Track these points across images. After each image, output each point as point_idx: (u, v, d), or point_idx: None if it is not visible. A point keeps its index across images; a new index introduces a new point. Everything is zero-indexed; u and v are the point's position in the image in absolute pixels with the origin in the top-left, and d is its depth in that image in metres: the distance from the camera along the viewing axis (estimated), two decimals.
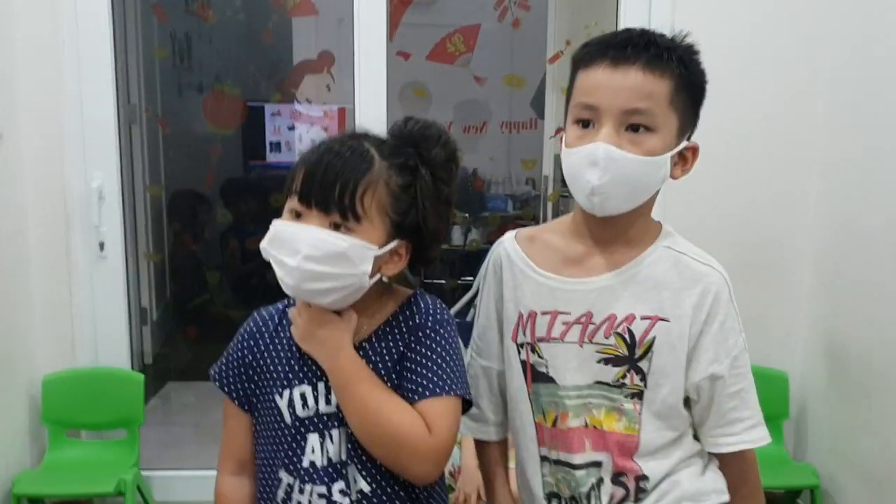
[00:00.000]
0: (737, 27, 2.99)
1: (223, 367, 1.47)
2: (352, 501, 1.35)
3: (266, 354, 1.43)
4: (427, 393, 1.32)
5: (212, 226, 5.35)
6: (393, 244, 1.33)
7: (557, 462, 1.43)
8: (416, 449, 1.30)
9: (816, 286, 3.01)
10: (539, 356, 1.42)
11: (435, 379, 1.33)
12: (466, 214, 5.37)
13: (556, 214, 4.44)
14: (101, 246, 3.19)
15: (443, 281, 5.25)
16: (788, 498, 3.11)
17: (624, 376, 1.36)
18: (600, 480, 1.39)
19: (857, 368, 2.76)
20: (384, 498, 1.36)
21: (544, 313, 1.41)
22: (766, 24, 3.00)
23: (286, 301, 1.47)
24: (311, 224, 1.28)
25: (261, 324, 1.47)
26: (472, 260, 5.17)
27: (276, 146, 5.50)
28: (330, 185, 1.27)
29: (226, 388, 1.46)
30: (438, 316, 1.39)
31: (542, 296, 1.42)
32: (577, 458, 1.40)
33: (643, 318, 1.35)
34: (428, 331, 1.37)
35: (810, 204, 3.04)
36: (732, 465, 1.45)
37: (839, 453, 2.89)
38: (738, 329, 1.39)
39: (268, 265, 1.32)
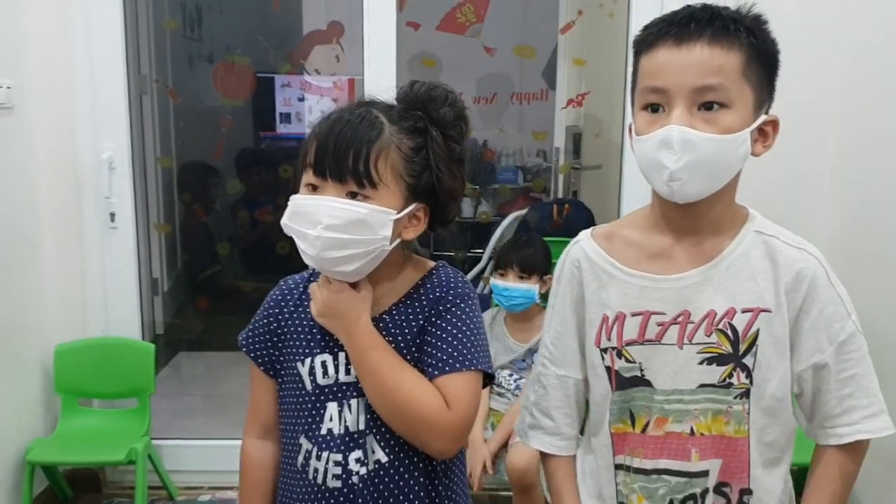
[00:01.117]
0: (746, 1, 2.95)
1: (250, 334, 1.49)
2: (368, 471, 1.36)
3: (290, 322, 1.45)
4: (447, 368, 1.32)
5: (223, 197, 5.36)
6: (411, 208, 1.34)
7: (639, 471, 1.35)
8: (433, 425, 1.31)
9: (830, 265, 3.00)
10: (628, 360, 1.33)
11: (455, 354, 1.33)
12: (477, 187, 5.36)
13: (566, 187, 4.43)
14: (112, 217, 3.20)
15: (452, 253, 5.25)
16: (799, 473, 3.11)
17: (730, 375, 1.29)
18: (705, 491, 1.32)
19: (870, 347, 2.75)
20: (401, 469, 1.37)
21: (634, 314, 1.33)
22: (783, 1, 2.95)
23: (312, 270, 1.48)
24: (328, 195, 1.29)
25: (286, 292, 1.49)
26: (483, 232, 5.16)
27: (287, 117, 5.48)
28: (342, 155, 1.28)
29: (252, 354, 1.48)
30: (460, 289, 1.39)
31: (631, 296, 1.34)
32: (677, 466, 1.32)
33: (744, 310, 1.28)
34: (449, 304, 1.37)
35: (824, 183, 3.00)
36: (841, 459, 1.35)
37: None
38: (845, 313, 1.32)
39: (278, 236, 1.33)
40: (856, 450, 1.34)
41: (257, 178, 5.20)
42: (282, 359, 1.45)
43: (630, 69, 1.35)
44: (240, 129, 5.20)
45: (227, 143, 4.83)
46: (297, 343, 1.43)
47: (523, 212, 4.23)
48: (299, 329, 1.43)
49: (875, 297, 2.72)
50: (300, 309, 1.45)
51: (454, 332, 1.35)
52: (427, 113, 1.35)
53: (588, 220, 3.87)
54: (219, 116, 4.43)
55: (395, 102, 1.39)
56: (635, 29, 1.34)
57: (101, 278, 3.23)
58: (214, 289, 5.07)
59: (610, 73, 3.85)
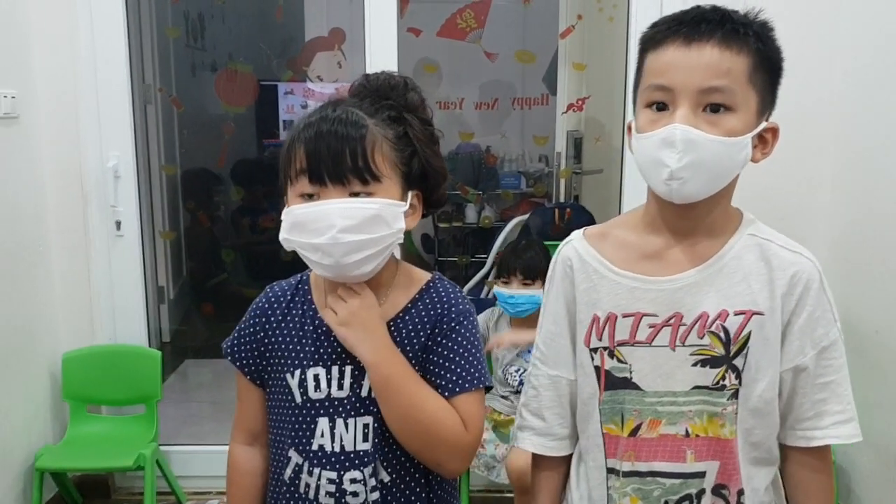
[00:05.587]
0: (753, 6, 2.96)
1: (235, 342, 1.46)
2: (369, 490, 1.35)
3: (278, 332, 1.42)
4: (458, 389, 1.32)
5: (227, 204, 5.38)
6: (410, 196, 1.34)
7: (631, 473, 1.33)
8: (454, 446, 1.31)
9: (832, 266, 3.00)
10: (620, 361, 1.32)
11: (465, 374, 1.33)
12: (480, 192, 5.37)
13: (568, 191, 4.44)
14: (118, 225, 3.23)
15: (455, 258, 5.27)
16: None
17: (723, 377, 1.28)
18: (701, 491, 1.31)
19: (871, 347, 2.75)
20: (402, 486, 1.37)
21: (626, 315, 1.32)
22: (782, 5, 2.96)
23: (299, 276, 1.45)
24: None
25: (273, 300, 1.45)
26: (486, 237, 5.18)
27: (290, 124, 5.51)
28: (339, 156, 1.25)
29: (238, 364, 1.45)
30: (461, 306, 1.38)
31: (622, 296, 1.32)
32: (672, 468, 1.31)
33: (737, 313, 1.27)
34: (453, 323, 1.36)
35: (826, 185, 3.01)
36: (810, 462, 1.35)
37: None
38: (832, 319, 1.32)
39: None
40: (822, 454, 1.35)
41: (260, 185, 5.22)
42: (269, 369, 1.42)
43: (631, 72, 1.34)
44: (243, 136, 5.23)
45: (231, 151, 4.85)
46: (286, 354, 1.40)
47: (525, 217, 4.25)
48: (288, 339, 1.40)
49: (876, 299, 2.74)
50: (288, 318, 1.42)
51: (461, 351, 1.34)
52: (396, 101, 1.35)
53: (589, 224, 3.88)
54: (222, 124, 4.46)
55: (357, 99, 1.37)
56: (635, 32, 1.36)
57: (108, 286, 3.26)
58: (220, 296, 5.09)
59: (610, 76, 3.87)
